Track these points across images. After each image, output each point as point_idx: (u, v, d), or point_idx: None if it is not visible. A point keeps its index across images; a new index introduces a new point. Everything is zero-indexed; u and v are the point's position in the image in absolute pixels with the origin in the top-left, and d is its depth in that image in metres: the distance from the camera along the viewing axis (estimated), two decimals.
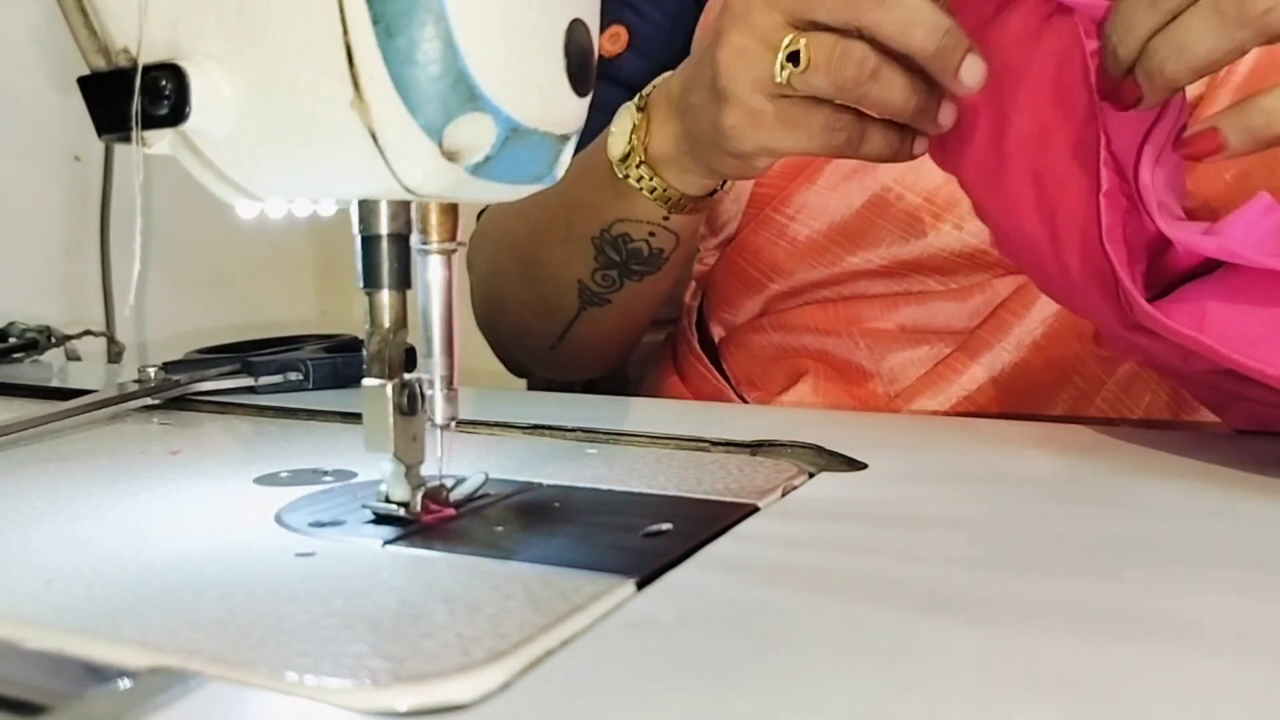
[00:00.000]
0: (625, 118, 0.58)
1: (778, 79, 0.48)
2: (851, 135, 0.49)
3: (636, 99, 0.58)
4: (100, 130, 0.32)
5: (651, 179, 0.58)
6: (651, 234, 0.61)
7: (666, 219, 0.60)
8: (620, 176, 0.58)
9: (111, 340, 0.98)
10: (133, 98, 0.30)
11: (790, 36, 0.47)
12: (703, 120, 0.52)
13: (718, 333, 0.70)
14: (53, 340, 0.83)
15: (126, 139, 0.31)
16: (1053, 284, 0.50)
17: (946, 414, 0.59)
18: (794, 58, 0.47)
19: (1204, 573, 0.31)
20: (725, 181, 0.60)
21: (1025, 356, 0.59)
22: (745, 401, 0.67)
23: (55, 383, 0.70)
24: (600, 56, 0.71)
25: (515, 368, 0.78)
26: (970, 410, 0.59)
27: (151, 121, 0.31)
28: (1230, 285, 0.43)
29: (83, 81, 0.32)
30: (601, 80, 0.71)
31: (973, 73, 0.45)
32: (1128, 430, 0.51)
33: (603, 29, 0.74)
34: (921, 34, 0.45)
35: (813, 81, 0.47)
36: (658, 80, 0.58)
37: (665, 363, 0.75)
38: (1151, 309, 0.43)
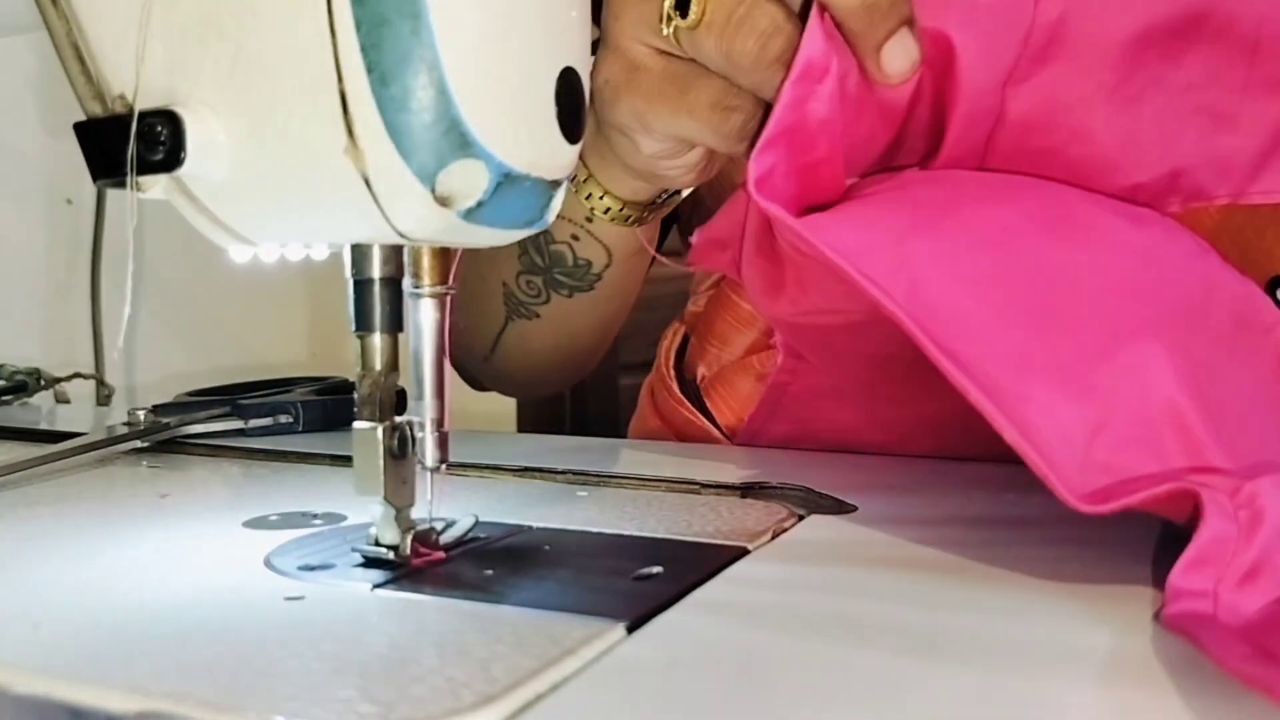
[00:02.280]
0: None
1: (664, 31, 0.39)
2: (748, 121, 0.39)
3: None
4: (96, 176, 0.32)
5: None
6: (575, 237, 0.55)
7: (589, 219, 0.53)
8: None
9: (101, 383, 0.98)
10: (128, 144, 0.31)
11: None
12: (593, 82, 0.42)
13: (702, 372, 0.70)
14: (42, 383, 0.82)
15: (122, 184, 0.31)
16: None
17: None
18: (683, 6, 0.38)
19: None
20: (664, 194, 0.52)
21: None
22: (731, 442, 0.67)
23: (44, 425, 0.70)
24: None
25: (466, 376, 0.75)
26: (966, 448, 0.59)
27: (147, 167, 0.31)
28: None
29: (79, 127, 0.32)
30: None
31: (897, 57, 0.37)
32: None
33: None
34: None
35: (701, 44, 0.38)
36: None
37: (647, 409, 0.75)
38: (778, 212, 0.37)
